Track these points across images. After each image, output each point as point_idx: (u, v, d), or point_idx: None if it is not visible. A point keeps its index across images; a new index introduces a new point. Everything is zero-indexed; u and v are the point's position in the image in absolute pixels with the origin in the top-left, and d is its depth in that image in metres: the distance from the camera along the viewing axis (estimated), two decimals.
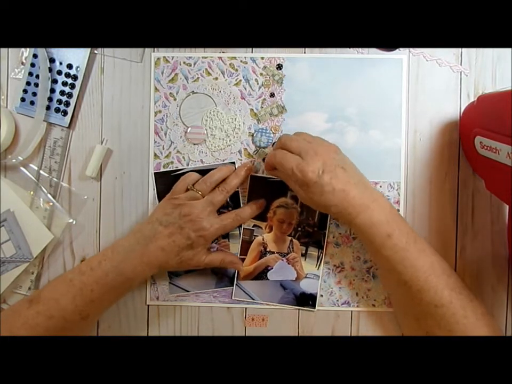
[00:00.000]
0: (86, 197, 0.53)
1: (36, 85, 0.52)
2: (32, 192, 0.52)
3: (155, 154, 0.52)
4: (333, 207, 0.44)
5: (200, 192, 0.47)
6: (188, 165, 0.52)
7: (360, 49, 0.52)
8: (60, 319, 0.44)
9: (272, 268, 0.52)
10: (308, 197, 0.44)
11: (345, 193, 0.43)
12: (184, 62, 0.52)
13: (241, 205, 0.52)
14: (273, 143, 0.52)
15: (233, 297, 0.52)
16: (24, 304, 0.45)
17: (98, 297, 0.45)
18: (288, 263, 0.52)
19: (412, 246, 0.44)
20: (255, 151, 0.52)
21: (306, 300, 0.52)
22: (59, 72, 0.52)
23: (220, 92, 0.52)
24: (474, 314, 0.43)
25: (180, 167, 0.52)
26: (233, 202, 0.52)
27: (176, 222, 0.46)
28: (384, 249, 0.44)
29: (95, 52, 0.52)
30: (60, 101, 0.52)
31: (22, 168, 0.52)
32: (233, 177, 0.49)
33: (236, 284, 0.52)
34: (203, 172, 0.51)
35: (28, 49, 0.52)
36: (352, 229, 0.47)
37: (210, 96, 0.52)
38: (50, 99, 0.52)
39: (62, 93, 0.52)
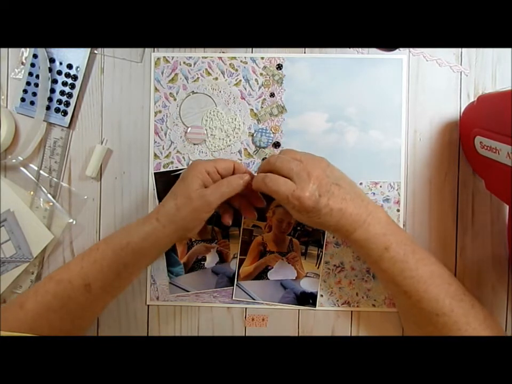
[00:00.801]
0: (86, 197, 0.53)
1: (36, 85, 0.52)
2: (32, 192, 0.52)
3: (155, 154, 0.52)
4: (331, 226, 0.43)
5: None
6: (187, 165, 0.52)
7: (360, 49, 0.52)
8: (66, 284, 0.44)
9: (272, 268, 0.52)
10: (306, 219, 0.44)
11: (342, 212, 0.43)
12: (184, 62, 0.52)
13: None
14: (273, 143, 0.52)
15: (233, 298, 0.52)
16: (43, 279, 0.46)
17: (101, 258, 0.44)
18: (288, 262, 0.52)
19: (410, 257, 0.43)
20: (255, 151, 0.52)
21: (307, 299, 0.52)
22: (59, 72, 0.52)
23: (220, 92, 0.52)
24: (476, 320, 0.43)
25: (180, 167, 0.52)
26: None
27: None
28: (382, 261, 0.43)
29: (95, 52, 0.52)
30: (60, 101, 0.52)
31: (22, 168, 0.52)
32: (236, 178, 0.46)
33: (236, 284, 0.52)
34: None
35: (27, 49, 0.52)
36: (349, 243, 0.46)
37: (210, 96, 0.52)
38: (50, 99, 0.52)
39: (62, 93, 0.52)
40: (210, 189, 0.44)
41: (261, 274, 0.52)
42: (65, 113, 0.52)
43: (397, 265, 0.43)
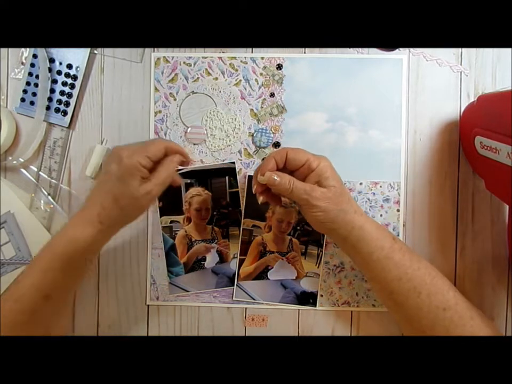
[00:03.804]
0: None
1: (36, 85, 0.52)
2: (32, 194, 0.52)
3: None
4: (351, 212, 0.43)
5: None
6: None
7: (360, 49, 0.52)
8: (23, 302, 0.42)
9: (272, 268, 0.52)
10: (325, 197, 0.42)
11: (350, 196, 0.44)
12: (184, 62, 0.52)
13: (241, 206, 0.52)
14: (273, 143, 0.52)
15: (234, 298, 0.52)
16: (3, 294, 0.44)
17: (49, 267, 0.42)
18: (288, 262, 0.52)
19: (411, 249, 0.44)
20: (255, 151, 0.52)
21: (307, 299, 0.52)
22: (59, 72, 0.52)
23: (220, 92, 0.52)
24: (478, 315, 0.42)
25: (180, 167, 0.52)
26: (233, 202, 0.52)
27: (106, 164, 0.44)
28: (394, 252, 0.43)
29: (95, 52, 0.52)
30: (59, 101, 0.52)
31: (22, 170, 0.52)
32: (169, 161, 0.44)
33: (237, 285, 0.52)
34: (203, 172, 0.52)
35: (27, 49, 0.52)
36: (355, 234, 0.43)
37: (210, 96, 0.52)
38: (50, 99, 0.52)
39: (62, 93, 0.52)
40: (153, 184, 0.42)
41: (261, 274, 0.52)
42: (65, 113, 0.52)
43: (406, 255, 0.43)
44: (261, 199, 0.45)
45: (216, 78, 0.52)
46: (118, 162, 0.41)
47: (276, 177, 0.42)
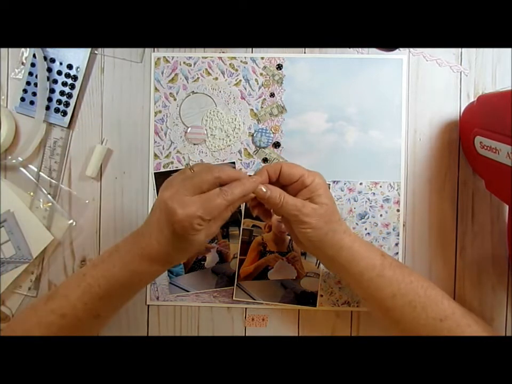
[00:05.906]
0: (87, 201, 0.52)
1: (36, 84, 0.52)
2: (32, 193, 0.52)
3: (155, 154, 0.52)
4: (337, 221, 0.42)
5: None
6: (187, 165, 0.52)
7: (360, 49, 0.52)
8: (72, 318, 0.41)
9: (272, 268, 0.52)
10: (317, 213, 0.41)
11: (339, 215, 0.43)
12: (184, 62, 0.52)
13: (241, 206, 0.52)
14: (273, 143, 0.52)
15: (234, 298, 0.52)
16: (43, 300, 0.43)
17: (106, 294, 0.41)
18: (288, 262, 0.52)
19: (400, 263, 0.43)
20: (255, 151, 0.52)
21: (307, 299, 0.52)
22: (59, 72, 0.52)
23: (220, 92, 0.52)
24: (476, 322, 0.42)
25: (180, 167, 0.52)
26: None
27: (162, 209, 0.39)
28: (385, 269, 0.42)
29: (95, 52, 0.52)
30: (59, 101, 0.52)
31: (22, 169, 0.52)
32: (238, 185, 0.40)
33: (237, 285, 0.52)
34: None
35: (28, 49, 0.52)
36: (344, 255, 0.42)
37: (210, 96, 0.52)
38: (50, 99, 0.52)
39: (62, 93, 0.52)
40: (215, 228, 0.40)
41: (261, 274, 0.52)
42: (64, 113, 0.52)
43: (397, 270, 0.42)
44: (255, 211, 0.45)
45: (216, 78, 0.52)
46: (171, 217, 0.37)
47: (266, 190, 0.41)
